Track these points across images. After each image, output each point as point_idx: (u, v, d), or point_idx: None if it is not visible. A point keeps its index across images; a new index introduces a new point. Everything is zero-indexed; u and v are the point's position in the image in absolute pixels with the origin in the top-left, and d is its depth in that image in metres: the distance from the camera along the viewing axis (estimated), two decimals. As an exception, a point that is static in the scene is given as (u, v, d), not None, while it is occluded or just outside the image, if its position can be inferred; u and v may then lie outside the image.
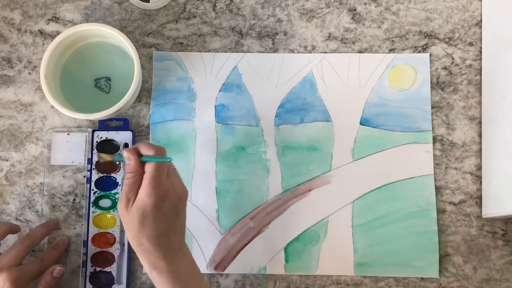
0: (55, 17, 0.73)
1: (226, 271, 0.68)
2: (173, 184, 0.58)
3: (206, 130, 0.70)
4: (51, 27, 0.72)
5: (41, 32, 0.72)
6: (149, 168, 0.56)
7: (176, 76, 0.71)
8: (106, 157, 0.66)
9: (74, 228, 0.69)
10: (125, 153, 0.57)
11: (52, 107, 0.70)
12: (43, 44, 0.72)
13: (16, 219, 0.69)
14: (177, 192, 0.58)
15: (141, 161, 0.57)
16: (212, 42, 0.72)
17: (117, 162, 0.68)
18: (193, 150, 0.70)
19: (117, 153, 0.68)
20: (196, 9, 0.73)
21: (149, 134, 0.70)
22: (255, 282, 0.68)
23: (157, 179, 0.56)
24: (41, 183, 0.69)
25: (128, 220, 0.56)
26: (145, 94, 0.71)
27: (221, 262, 0.68)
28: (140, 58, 0.68)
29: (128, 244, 0.67)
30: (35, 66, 0.72)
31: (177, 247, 0.58)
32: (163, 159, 0.57)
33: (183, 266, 0.57)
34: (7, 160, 0.70)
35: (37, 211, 0.69)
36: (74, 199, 0.69)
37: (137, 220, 0.55)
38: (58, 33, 0.71)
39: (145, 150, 0.57)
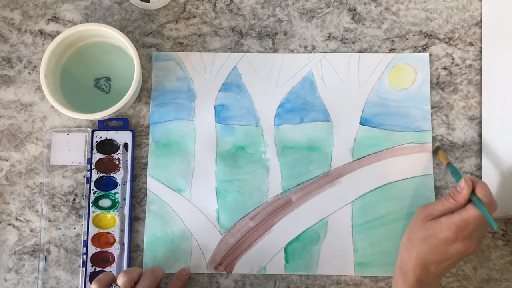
0: (55, 17, 0.73)
1: (227, 271, 0.68)
2: (473, 239, 0.58)
3: (205, 130, 0.70)
4: (51, 27, 0.72)
5: (41, 32, 0.72)
6: (471, 211, 0.57)
7: (176, 76, 0.71)
8: (443, 156, 0.67)
9: (74, 228, 0.69)
10: (463, 181, 0.58)
11: (52, 107, 0.70)
12: (43, 44, 0.72)
13: (16, 219, 0.69)
14: (473, 246, 0.59)
15: (470, 199, 0.58)
16: (212, 42, 0.72)
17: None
18: (193, 150, 0.70)
19: (453, 172, 0.66)
20: (196, 9, 0.73)
21: (148, 134, 0.70)
22: (255, 282, 0.68)
23: (468, 230, 0.57)
24: (41, 183, 0.69)
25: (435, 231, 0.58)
26: (145, 94, 0.71)
27: (221, 262, 0.68)
28: (140, 58, 0.68)
29: (128, 244, 0.67)
30: (35, 66, 0.72)
31: (428, 281, 0.60)
32: (490, 219, 0.56)
33: None
34: (7, 160, 0.70)
35: (37, 211, 0.69)
36: (74, 199, 0.69)
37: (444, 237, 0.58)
38: (58, 33, 0.71)
39: (480, 192, 0.58)
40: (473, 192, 0.58)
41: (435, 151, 0.68)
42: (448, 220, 0.57)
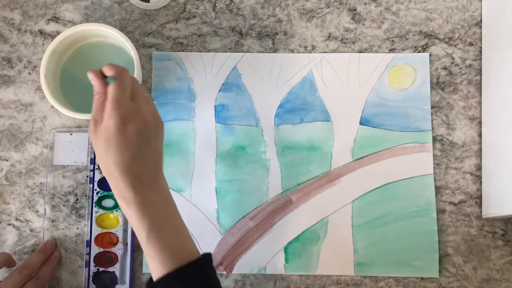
0: (55, 17, 0.73)
1: (227, 271, 0.68)
2: (139, 107, 0.55)
3: (205, 130, 0.70)
4: (51, 27, 0.72)
5: (41, 32, 0.72)
6: (110, 89, 0.54)
7: (176, 76, 0.71)
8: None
9: (77, 228, 0.69)
10: (89, 75, 0.56)
11: (52, 107, 0.70)
12: (43, 44, 0.72)
13: (16, 219, 0.69)
14: (144, 116, 0.55)
15: (106, 83, 0.55)
16: (212, 42, 0.72)
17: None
18: (192, 150, 0.70)
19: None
20: (196, 9, 0.73)
21: (149, 134, 0.70)
22: (255, 282, 0.68)
23: (118, 101, 0.53)
24: (41, 183, 0.69)
25: (95, 143, 0.54)
26: (145, 94, 0.71)
27: (221, 262, 0.68)
28: (140, 58, 0.68)
29: (132, 244, 0.68)
30: (35, 66, 0.72)
31: (147, 178, 0.54)
32: (110, 79, 0.55)
33: (155, 200, 0.54)
34: (7, 160, 0.70)
35: (37, 211, 0.69)
36: (76, 199, 0.69)
37: (101, 143, 0.53)
38: (58, 33, 0.71)
39: (107, 71, 0.55)
40: (106, 77, 0.56)
41: None
42: (105, 112, 0.53)
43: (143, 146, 0.54)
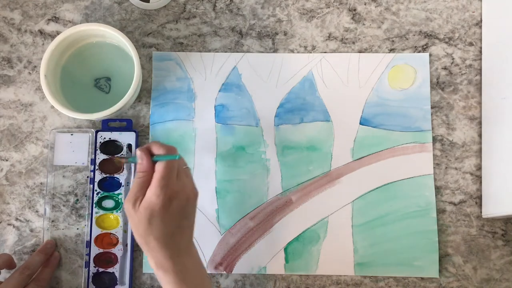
0: (55, 17, 0.73)
1: (227, 271, 0.68)
2: (183, 184, 0.57)
3: (205, 130, 0.70)
4: (51, 27, 0.72)
5: (41, 32, 0.72)
6: (158, 167, 0.55)
7: (176, 76, 0.71)
8: (119, 160, 0.67)
9: (77, 229, 0.69)
10: (138, 152, 0.57)
11: (52, 107, 0.70)
12: (43, 44, 0.72)
13: (16, 219, 0.69)
14: (187, 193, 0.57)
15: (153, 161, 0.56)
16: (212, 42, 0.72)
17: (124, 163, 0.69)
18: (192, 150, 0.70)
19: (127, 155, 0.68)
20: (196, 9, 0.73)
21: (149, 134, 0.70)
22: (255, 282, 0.68)
23: (166, 179, 0.55)
24: (41, 183, 0.69)
25: (135, 219, 0.56)
26: (145, 94, 0.71)
27: (221, 262, 0.68)
28: (140, 58, 0.68)
29: (131, 244, 0.68)
30: (35, 66, 0.72)
31: (184, 247, 0.57)
32: (171, 157, 0.56)
33: (190, 267, 0.57)
34: (7, 160, 0.70)
35: (37, 211, 0.69)
36: (76, 200, 0.69)
37: (144, 220, 0.55)
38: (58, 33, 0.71)
39: (156, 149, 0.57)
40: (153, 155, 0.57)
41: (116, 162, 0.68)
42: (151, 190, 0.55)
43: (183, 220, 0.57)
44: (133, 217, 0.56)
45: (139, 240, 0.56)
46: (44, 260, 0.66)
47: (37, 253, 0.66)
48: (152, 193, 0.55)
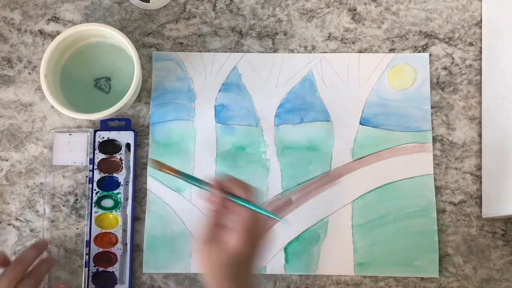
0: (55, 17, 0.73)
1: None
2: (264, 228, 0.56)
3: (205, 130, 0.70)
4: (51, 27, 0.72)
5: (41, 32, 0.72)
6: (245, 214, 0.53)
7: (176, 76, 0.71)
8: (166, 167, 0.59)
9: (77, 229, 0.69)
10: (213, 190, 0.55)
11: (52, 107, 0.70)
12: (43, 44, 0.72)
13: (16, 219, 0.69)
14: (264, 236, 0.56)
15: (227, 198, 0.54)
16: (212, 42, 0.72)
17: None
18: (192, 150, 0.70)
19: (185, 172, 0.59)
20: (196, 9, 0.73)
21: (148, 134, 0.70)
22: (255, 282, 0.68)
23: (251, 227, 0.53)
24: (41, 183, 0.69)
25: (210, 259, 0.53)
26: (145, 94, 0.71)
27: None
28: (140, 58, 0.68)
29: (131, 244, 0.68)
30: (35, 66, 0.72)
31: (252, 281, 0.55)
32: (272, 215, 0.55)
33: None
34: (7, 160, 0.70)
35: (37, 211, 0.69)
36: (76, 200, 0.69)
37: (225, 265, 0.53)
38: (58, 33, 0.71)
39: (240, 192, 0.55)
40: (229, 194, 0.55)
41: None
42: (236, 238, 0.53)
43: (258, 259, 0.56)
44: (207, 256, 0.53)
45: (208, 278, 0.54)
46: (37, 255, 0.63)
47: (29, 247, 0.64)
48: (238, 241, 0.52)
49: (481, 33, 0.72)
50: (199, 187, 0.56)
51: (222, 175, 0.56)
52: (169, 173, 0.57)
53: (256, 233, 0.55)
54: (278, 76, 0.71)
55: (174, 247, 0.68)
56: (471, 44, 0.71)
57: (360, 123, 0.70)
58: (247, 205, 0.54)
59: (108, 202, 0.69)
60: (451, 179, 0.69)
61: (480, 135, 0.70)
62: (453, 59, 0.71)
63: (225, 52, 0.72)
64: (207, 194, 0.55)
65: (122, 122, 0.70)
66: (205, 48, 0.72)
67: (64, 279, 0.68)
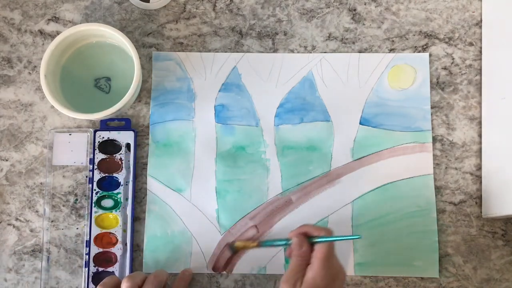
0: (55, 17, 0.73)
1: (227, 271, 0.68)
2: (340, 263, 0.59)
3: (205, 130, 0.70)
4: (51, 27, 0.73)
5: (41, 32, 0.72)
6: (321, 249, 0.57)
7: (176, 76, 0.71)
8: (246, 244, 0.67)
9: (77, 229, 0.69)
10: (296, 240, 0.59)
11: (52, 107, 0.70)
12: (43, 44, 0.72)
13: (16, 219, 0.69)
14: (343, 272, 0.59)
15: (310, 242, 0.59)
16: (212, 42, 0.72)
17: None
18: (192, 150, 0.70)
19: (262, 240, 0.67)
20: (196, 9, 0.73)
21: (148, 134, 0.70)
22: (255, 282, 0.68)
23: (330, 260, 0.57)
24: (41, 183, 0.69)
25: None
26: (145, 94, 0.71)
27: (221, 262, 0.68)
28: (140, 58, 0.68)
29: (131, 244, 0.68)
30: (35, 66, 0.72)
31: None
32: (350, 237, 0.62)
33: None
34: (7, 160, 0.70)
35: (37, 211, 0.69)
36: (76, 200, 0.69)
37: None
38: (58, 33, 0.71)
39: (316, 232, 0.59)
40: (306, 237, 0.59)
41: (234, 250, 0.67)
42: (314, 271, 0.56)
43: None
44: None
45: None
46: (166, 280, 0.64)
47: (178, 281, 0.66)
48: (317, 274, 0.56)
49: (481, 33, 0.72)
50: (284, 245, 0.63)
51: (298, 228, 0.61)
52: (254, 247, 0.66)
53: (333, 266, 0.58)
54: (278, 76, 0.71)
55: (174, 247, 0.68)
56: (471, 44, 0.71)
57: (360, 123, 0.70)
58: (324, 239, 0.58)
59: (108, 202, 0.69)
60: (451, 179, 0.69)
61: (480, 135, 0.70)
62: (453, 59, 0.71)
63: (225, 52, 0.72)
64: (290, 248, 0.60)
65: (122, 122, 0.70)
66: (205, 48, 0.72)
67: (64, 279, 0.68)
